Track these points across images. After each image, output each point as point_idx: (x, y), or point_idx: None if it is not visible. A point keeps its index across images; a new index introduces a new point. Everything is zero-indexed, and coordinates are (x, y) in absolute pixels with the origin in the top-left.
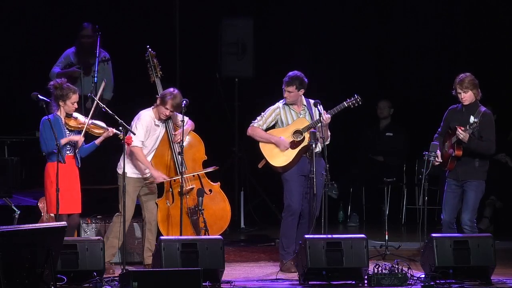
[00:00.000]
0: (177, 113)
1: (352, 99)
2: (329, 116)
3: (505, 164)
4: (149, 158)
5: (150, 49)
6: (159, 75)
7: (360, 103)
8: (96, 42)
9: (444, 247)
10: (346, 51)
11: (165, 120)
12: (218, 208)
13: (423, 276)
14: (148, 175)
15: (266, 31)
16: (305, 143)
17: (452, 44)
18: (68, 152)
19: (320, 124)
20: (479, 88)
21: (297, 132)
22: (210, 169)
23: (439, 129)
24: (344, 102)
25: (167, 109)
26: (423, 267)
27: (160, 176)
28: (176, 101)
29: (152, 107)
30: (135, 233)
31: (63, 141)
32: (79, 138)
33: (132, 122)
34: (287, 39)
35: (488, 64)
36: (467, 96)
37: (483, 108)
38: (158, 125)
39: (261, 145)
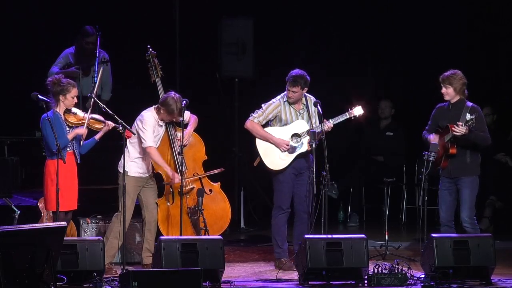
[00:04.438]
0: None
1: (354, 109)
2: (331, 125)
3: (505, 164)
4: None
5: (150, 49)
6: (160, 75)
7: (362, 113)
8: (96, 44)
9: (444, 247)
10: (346, 51)
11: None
12: (218, 208)
13: (423, 276)
14: (149, 174)
15: (266, 31)
16: (303, 149)
17: (452, 44)
18: (68, 149)
19: (320, 130)
20: (464, 87)
21: (296, 136)
22: (216, 171)
23: (426, 127)
24: (346, 113)
25: (173, 117)
26: (423, 267)
27: (177, 177)
28: (180, 107)
29: (154, 107)
30: (135, 233)
31: (69, 136)
32: (83, 131)
33: (134, 123)
34: (287, 39)
35: (488, 64)
36: (446, 92)
37: (470, 104)
38: (161, 126)
39: (257, 143)
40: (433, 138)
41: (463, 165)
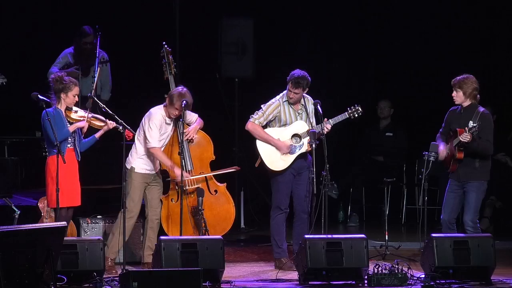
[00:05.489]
0: (189, 112)
1: (353, 109)
2: (330, 126)
3: (505, 164)
4: None
5: (166, 46)
6: (173, 72)
7: (361, 114)
8: (96, 44)
9: (444, 247)
10: (346, 51)
11: (176, 119)
12: (222, 209)
13: (423, 276)
14: (156, 171)
15: (266, 31)
16: (303, 149)
17: (452, 44)
18: (68, 145)
19: (320, 131)
20: (476, 92)
21: (296, 136)
22: (231, 169)
23: (440, 130)
24: (346, 113)
25: (176, 109)
26: (423, 267)
27: (184, 175)
28: (187, 100)
29: (163, 104)
30: (138, 230)
31: (70, 128)
32: (85, 124)
33: (142, 120)
34: (287, 39)
35: (488, 64)
36: (456, 96)
37: (481, 109)
38: (169, 124)
39: (258, 144)
40: (441, 153)
41: (472, 170)
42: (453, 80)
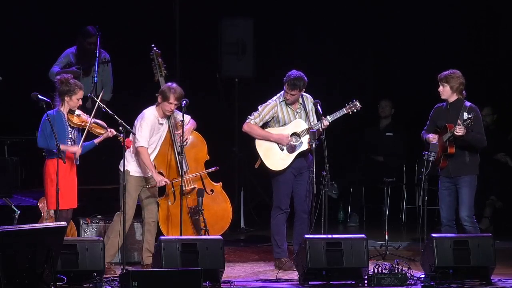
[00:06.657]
0: (178, 112)
1: (351, 104)
2: (328, 123)
3: (505, 164)
4: (152, 156)
5: (155, 48)
6: (164, 74)
7: (359, 109)
8: (96, 44)
9: (444, 247)
10: (346, 50)
11: (168, 119)
12: (219, 208)
13: (423, 276)
14: (149, 174)
15: (266, 31)
16: (303, 148)
17: (452, 44)
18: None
19: (318, 127)
20: (462, 86)
21: (295, 135)
22: (211, 170)
23: (425, 127)
24: (344, 109)
25: (171, 103)
26: (423, 267)
27: (162, 180)
28: (178, 93)
29: (155, 105)
30: (135, 232)
31: (62, 147)
32: (77, 150)
33: (135, 121)
34: (287, 39)
35: (488, 65)
36: (443, 91)
37: (468, 103)
38: (161, 124)
39: (257, 144)
40: (432, 137)
41: (462, 165)
42: (439, 75)
